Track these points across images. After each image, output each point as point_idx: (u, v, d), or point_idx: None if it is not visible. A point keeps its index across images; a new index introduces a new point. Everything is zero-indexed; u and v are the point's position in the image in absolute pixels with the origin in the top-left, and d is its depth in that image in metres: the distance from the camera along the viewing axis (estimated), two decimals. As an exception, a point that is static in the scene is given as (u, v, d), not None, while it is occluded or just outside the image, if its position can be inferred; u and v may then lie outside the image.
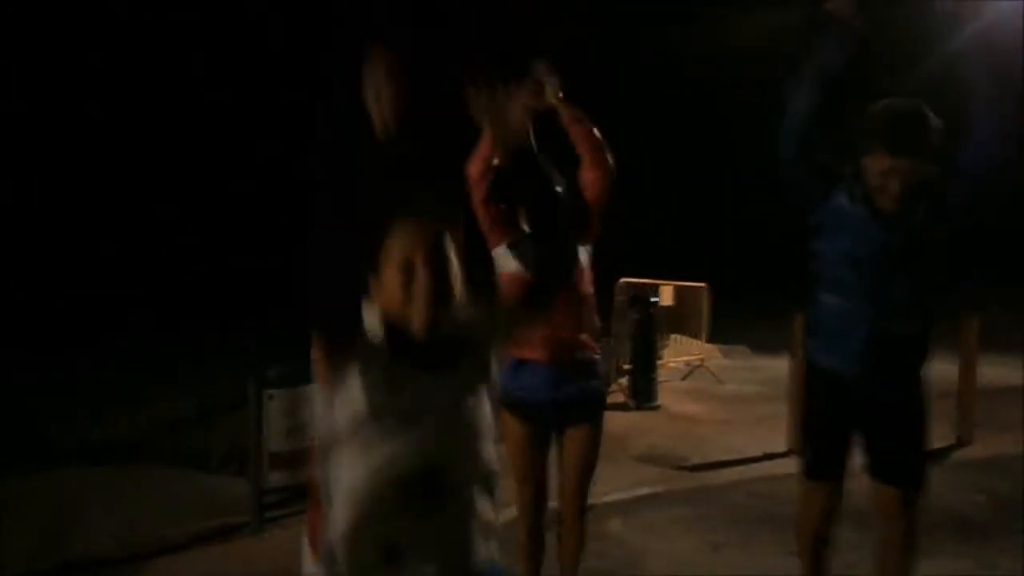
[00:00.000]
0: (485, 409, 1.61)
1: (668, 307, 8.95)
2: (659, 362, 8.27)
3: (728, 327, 10.92)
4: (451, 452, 1.55)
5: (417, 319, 1.48)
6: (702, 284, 9.58)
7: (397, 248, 1.50)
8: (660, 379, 8.01)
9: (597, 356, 3.10)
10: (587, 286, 3.07)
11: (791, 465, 5.70)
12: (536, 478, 3.04)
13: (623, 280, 8.21)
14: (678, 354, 9.49)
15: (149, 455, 5.67)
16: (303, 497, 4.71)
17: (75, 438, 6.17)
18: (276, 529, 4.44)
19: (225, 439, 5.73)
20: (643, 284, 8.35)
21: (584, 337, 3.02)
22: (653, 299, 7.92)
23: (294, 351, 5.29)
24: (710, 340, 9.89)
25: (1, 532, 4.43)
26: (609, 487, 4.80)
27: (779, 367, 8.79)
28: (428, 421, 1.52)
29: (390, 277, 1.50)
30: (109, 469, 5.44)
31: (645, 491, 5.17)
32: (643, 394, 7.64)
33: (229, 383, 6.05)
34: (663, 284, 8.80)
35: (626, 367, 7.94)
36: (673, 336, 9.48)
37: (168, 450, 5.75)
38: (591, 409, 3.09)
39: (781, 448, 6.08)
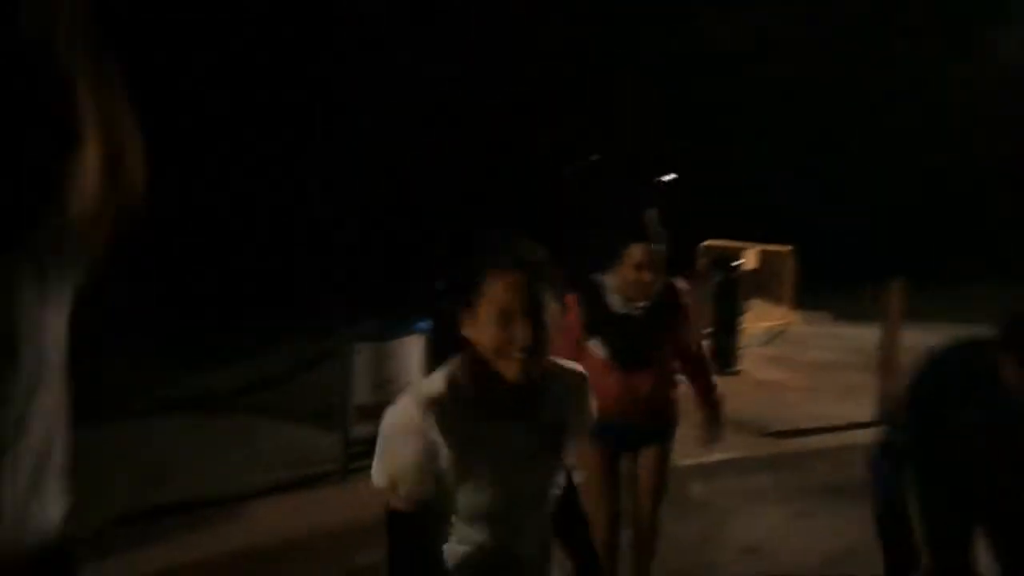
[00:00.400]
0: (560, 462, 1.61)
1: (751, 271, 8.74)
2: (740, 327, 8.12)
3: (813, 293, 10.63)
4: (525, 495, 1.56)
5: (510, 370, 1.47)
6: (787, 247, 9.32)
7: (498, 297, 1.48)
8: (741, 344, 7.86)
9: (673, 399, 3.10)
10: (671, 363, 3.09)
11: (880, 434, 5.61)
12: (610, 499, 3.01)
13: (706, 243, 8.04)
14: (760, 319, 9.30)
15: (243, 408, 5.86)
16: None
17: (176, 390, 6.43)
18: (361, 479, 4.54)
19: (315, 395, 5.89)
20: (726, 247, 8.16)
21: (661, 398, 3.02)
22: (736, 262, 7.74)
23: (379, 310, 5.42)
24: (794, 306, 9.64)
25: (106, 471, 4.67)
26: (689, 451, 4.74)
27: (864, 335, 8.53)
28: (505, 466, 1.51)
29: (487, 324, 1.48)
30: (206, 419, 5.67)
31: (726, 456, 5.09)
32: (723, 359, 7.52)
33: (321, 340, 6.19)
34: (747, 247, 8.58)
35: (706, 332, 7.81)
36: (755, 301, 9.28)
37: (261, 404, 5.94)
38: (663, 431, 3.09)
39: (867, 418, 5.90)
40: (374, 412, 4.49)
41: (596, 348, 2.90)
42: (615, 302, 2.87)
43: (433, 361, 4.81)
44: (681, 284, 3.01)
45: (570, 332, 2.84)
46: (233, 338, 8.56)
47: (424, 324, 4.75)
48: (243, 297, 10.74)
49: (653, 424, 3.04)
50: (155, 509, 4.13)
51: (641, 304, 2.86)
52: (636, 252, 2.80)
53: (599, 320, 2.88)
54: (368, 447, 4.78)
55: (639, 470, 3.11)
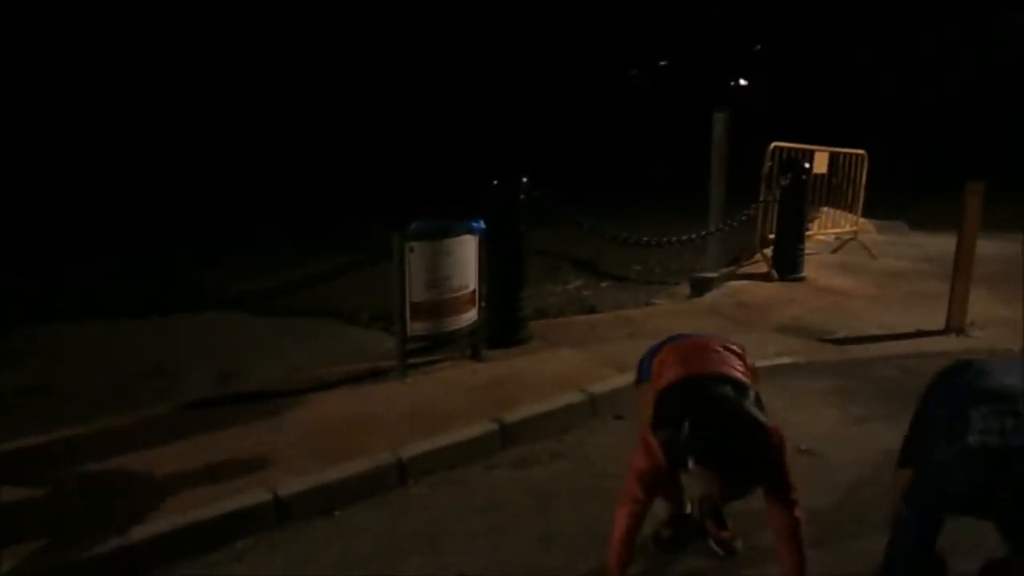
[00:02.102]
0: None
1: (821, 175, 8.40)
2: (807, 233, 7.87)
3: (886, 200, 10.21)
4: None
5: None
6: (861, 151, 8.90)
7: None
8: (807, 251, 7.64)
9: None
10: None
11: (949, 343, 5.46)
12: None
13: (774, 144, 7.72)
14: (828, 226, 9.00)
15: (299, 307, 5.99)
16: (442, 345, 4.91)
17: (239, 290, 6.61)
18: (418, 375, 4.64)
19: (374, 298, 5.99)
20: (796, 149, 7.83)
21: None
22: (805, 165, 7.44)
23: (434, 209, 5.41)
24: (865, 213, 9.29)
25: (179, 360, 4.88)
26: (749, 354, 4.69)
27: (940, 244, 8.20)
28: None
29: None
30: (268, 318, 5.82)
31: (786, 360, 5.02)
32: (787, 265, 7.33)
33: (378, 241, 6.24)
34: (818, 150, 8.22)
35: (771, 236, 7.61)
36: (824, 208, 8.96)
37: (316, 303, 6.05)
38: None
39: (939, 326, 5.72)
40: (429, 310, 4.55)
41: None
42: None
43: (489, 260, 4.81)
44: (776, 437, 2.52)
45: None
46: (288, 240, 8.73)
47: (479, 223, 4.72)
48: (296, 198, 10.89)
49: None
50: (227, 398, 4.30)
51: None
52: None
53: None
54: (425, 344, 4.90)
55: None
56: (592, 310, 6.27)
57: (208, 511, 3.15)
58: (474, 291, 4.75)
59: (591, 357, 4.90)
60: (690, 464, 2.38)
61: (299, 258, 7.62)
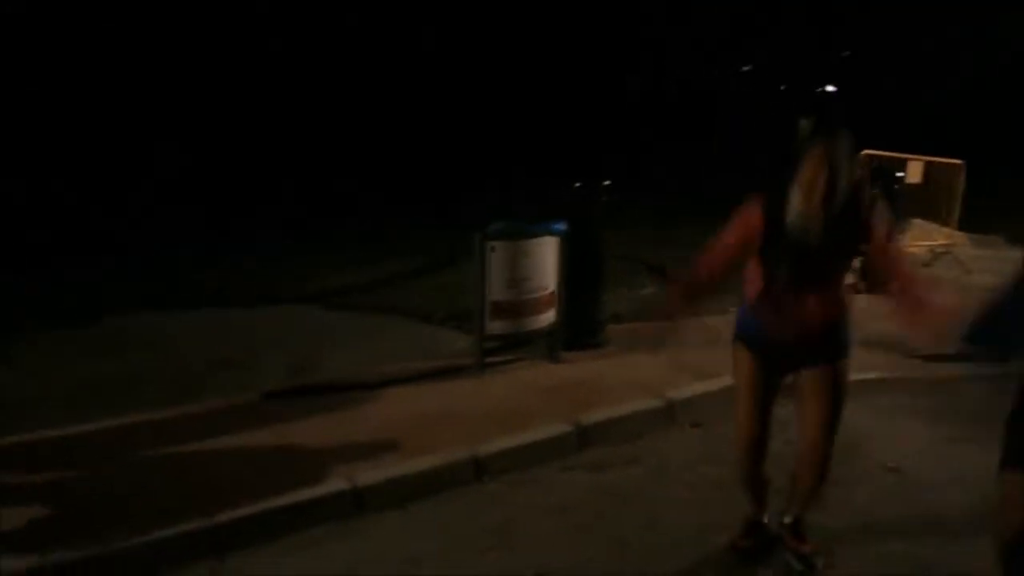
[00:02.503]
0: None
1: (915, 185, 8.10)
2: (899, 244, 7.58)
3: (982, 212, 9.77)
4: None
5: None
6: (958, 161, 8.54)
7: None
8: (898, 263, 7.35)
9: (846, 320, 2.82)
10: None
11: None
12: (759, 421, 2.87)
13: (867, 151, 7.48)
14: (922, 238, 8.66)
15: (376, 304, 6.08)
16: (519, 345, 4.91)
17: (320, 287, 6.75)
18: (494, 373, 4.66)
19: (447, 298, 6.04)
20: (889, 157, 7.57)
21: (833, 320, 2.76)
22: (899, 175, 7.18)
23: (511, 211, 5.42)
24: (960, 226, 8.90)
25: (256, 351, 5.01)
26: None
27: (1042, 260, 7.77)
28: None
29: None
30: (346, 314, 5.93)
31: (873, 375, 4.84)
32: (877, 276, 7.07)
33: (456, 241, 6.29)
34: (912, 159, 7.92)
35: (860, 248, 7.35)
36: (917, 219, 8.62)
37: (394, 301, 6.13)
38: (832, 352, 2.81)
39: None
40: (508, 309, 4.56)
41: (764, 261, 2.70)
42: (794, 211, 2.58)
43: (569, 261, 4.79)
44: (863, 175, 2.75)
45: (745, 229, 2.70)
46: (368, 237, 8.87)
47: (559, 225, 4.71)
48: (379, 196, 11.05)
49: (822, 345, 2.77)
50: (306, 388, 4.40)
51: (821, 213, 2.60)
52: (815, 153, 2.58)
53: (776, 227, 2.62)
54: (501, 344, 4.92)
55: (804, 395, 2.84)
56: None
57: (287, 498, 3.22)
58: (553, 292, 4.74)
59: (668, 363, 4.83)
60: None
61: (373, 257, 7.75)
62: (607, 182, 4.93)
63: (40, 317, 5.62)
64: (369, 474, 3.40)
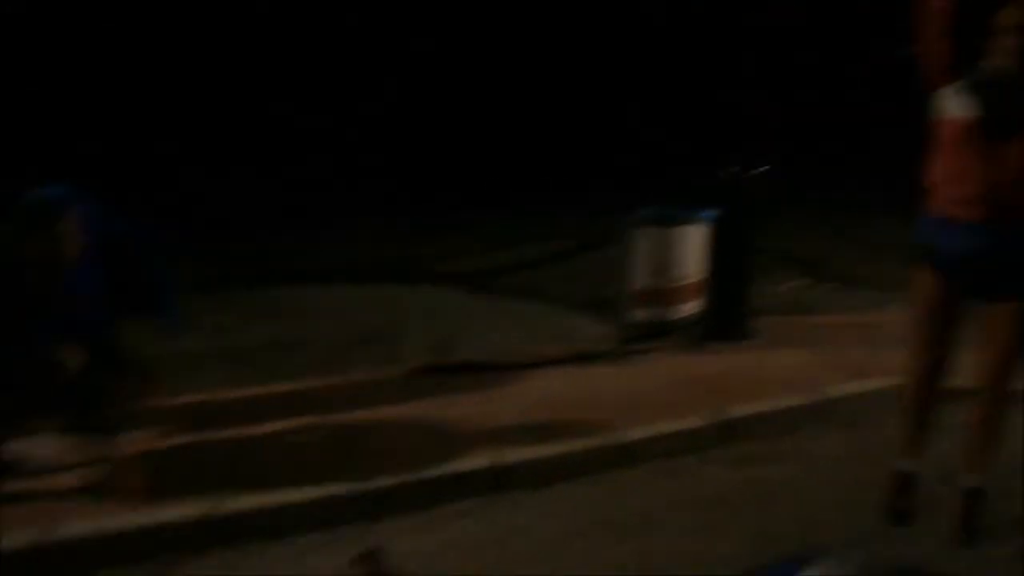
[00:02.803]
0: None
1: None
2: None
3: None
4: None
5: None
6: None
7: None
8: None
9: None
10: None
11: None
12: (937, 348, 2.72)
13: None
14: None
15: (514, 288, 6.13)
16: (662, 334, 4.84)
17: (462, 268, 6.89)
18: (636, 361, 4.62)
19: (587, 284, 6.02)
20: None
21: None
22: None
23: (660, 197, 5.33)
24: None
25: (399, 327, 5.18)
26: None
27: None
28: None
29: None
30: (485, 296, 6.02)
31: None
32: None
33: (600, 227, 6.26)
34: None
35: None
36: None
37: (532, 285, 6.17)
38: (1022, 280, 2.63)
39: None
40: (653, 297, 4.50)
41: (956, 107, 2.54)
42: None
43: (718, 250, 4.67)
44: None
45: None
46: (513, 221, 8.94)
47: (709, 212, 4.60)
48: (526, 180, 11.10)
49: (1014, 234, 2.53)
50: (450, 367, 4.51)
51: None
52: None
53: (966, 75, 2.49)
54: (644, 331, 4.85)
55: (987, 318, 2.66)
56: (816, 312, 5.91)
57: (434, 470, 3.32)
58: (699, 281, 4.64)
59: (820, 360, 4.63)
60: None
61: (516, 241, 7.82)
62: (763, 168, 4.77)
63: (198, 286, 6.03)
64: (513, 453, 3.46)
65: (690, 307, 4.64)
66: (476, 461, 3.40)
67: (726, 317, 4.88)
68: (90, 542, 2.89)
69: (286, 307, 5.64)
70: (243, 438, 3.61)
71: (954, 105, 2.54)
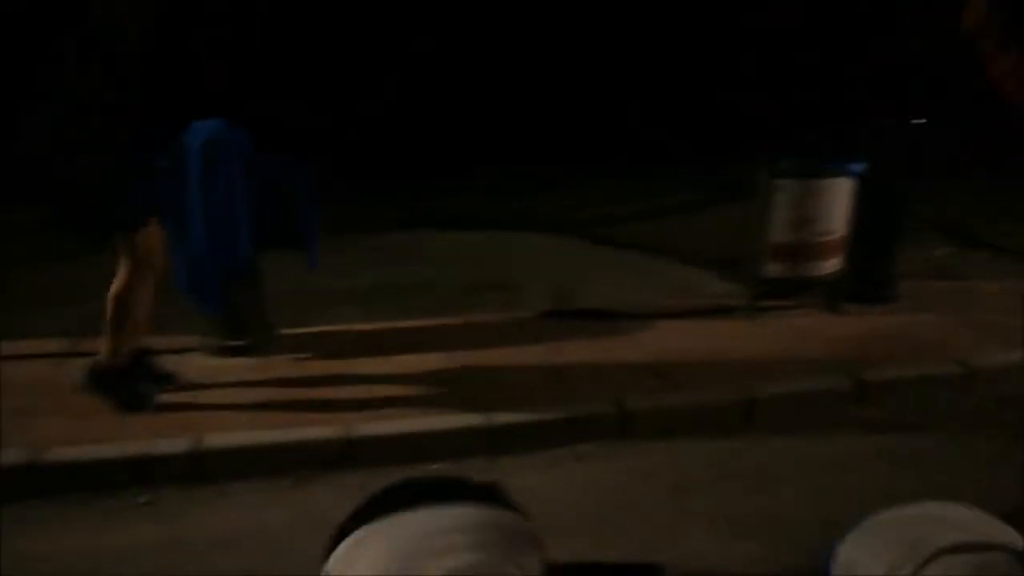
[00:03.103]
0: None
1: None
2: None
3: None
4: None
5: None
6: None
7: None
8: None
9: None
10: None
11: None
12: None
13: None
14: None
15: (645, 244, 6.02)
16: (799, 291, 4.66)
17: (589, 217, 6.84)
18: (768, 318, 4.48)
19: (716, 240, 5.85)
20: None
21: None
22: None
23: (801, 147, 5.09)
24: None
25: (518, 274, 5.21)
26: None
27: None
28: None
29: None
30: (609, 248, 5.97)
31: None
32: None
33: (728, 178, 6.05)
34: None
35: None
36: None
37: (663, 242, 6.03)
38: None
39: None
40: (790, 252, 4.33)
41: None
42: None
43: (863, 206, 4.42)
44: None
45: None
46: (645, 170, 8.76)
47: (856, 165, 4.35)
48: (661, 128, 10.82)
49: None
50: (570, 313, 4.52)
51: None
52: None
53: None
54: (779, 288, 4.68)
55: None
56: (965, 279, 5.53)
57: (557, 412, 3.36)
58: (841, 238, 4.42)
59: (969, 328, 4.34)
60: None
61: (645, 192, 7.68)
62: (919, 121, 4.47)
63: (339, 226, 6.25)
64: (638, 400, 3.44)
65: (830, 265, 4.43)
66: (598, 406, 3.41)
67: (869, 278, 4.64)
68: (232, 453, 3.10)
69: (409, 251, 5.79)
70: (373, 369, 3.76)
71: None
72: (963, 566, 0.82)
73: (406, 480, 0.94)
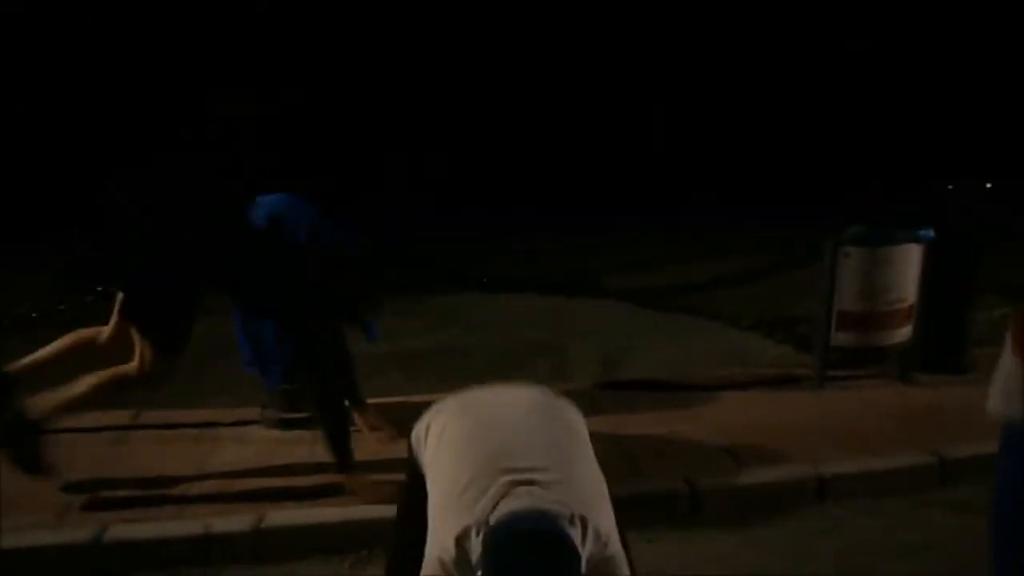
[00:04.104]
0: None
1: None
2: None
3: None
4: None
5: None
6: None
7: None
8: None
9: None
10: None
11: None
12: None
13: None
14: None
15: (693, 308, 5.91)
16: (867, 362, 4.51)
17: (637, 283, 6.76)
18: (835, 389, 4.33)
19: (767, 301, 5.74)
20: None
21: None
22: None
23: (871, 213, 4.98)
24: None
25: (567, 338, 5.12)
26: None
27: None
28: None
29: None
30: (658, 313, 5.87)
31: None
32: None
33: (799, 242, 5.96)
34: None
35: None
36: None
37: (710, 306, 5.93)
38: None
39: None
40: (858, 321, 4.21)
41: None
42: None
43: (935, 273, 4.28)
44: None
45: None
46: (692, 234, 8.70)
47: (927, 232, 4.23)
48: (714, 195, 10.77)
49: None
50: (616, 384, 4.42)
51: None
52: None
53: None
54: (845, 357, 4.52)
55: None
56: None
57: (627, 488, 3.22)
58: (911, 306, 4.28)
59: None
60: None
61: (695, 256, 7.59)
62: (988, 185, 4.35)
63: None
64: (706, 479, 3.31)
65: (900, 333, 4.28)
66: (669, 483, 3.29)
67: (941, 346, 4.47)
68: (294, 532, 3.03)
69: (452, 315, 5.77)
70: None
71: None
72: None
73: None
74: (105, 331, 3.21)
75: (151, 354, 3.05)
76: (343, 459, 3.09)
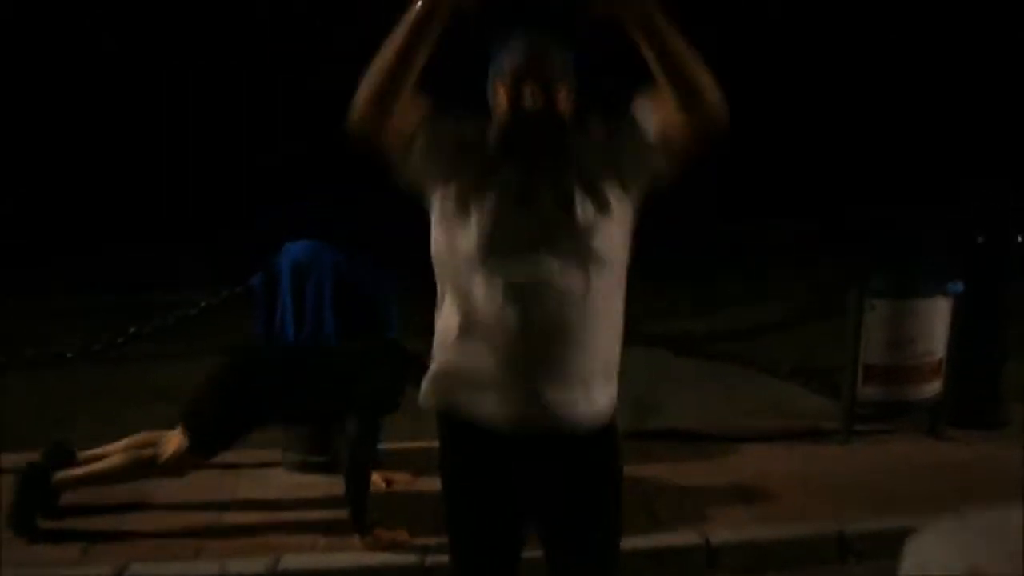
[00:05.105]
0: None
1: None
2: None
3: None
4: None
5: None
6: None
7: None
8: None
9: None
10: None
11: None
12: None
13: None
14: None
15: (727, 354, 5.84)
16: (897, 414, 4.42)
17: (670, 328, 6.72)
18: (863, 443, 4.24)
19: (802, 351, 5.65)
20: None
21: None
22: None
23: (899, 263, 4.92)
24: None
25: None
26: None
27: None
28: None
29: None
30: (691, 360, 5.79)
31: None
32: None
33: (826, 292, 5.89)
34: None
35: None
36: None
37: (745, 352, 5.86)
38: None
39: None
40: (885, 374, 4.14)
41: None
42: None
43: (965, 326, 4.21)
44: None
45: None
46: (725, 284, 8.64)
47: (955, 284, 4.17)
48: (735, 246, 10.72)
49: None
50: (654, 433, 4.38)
51: None
52: None
53: None
54: (874, 411, 4.43)
55: None
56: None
57: (642, 541, 3.20)
58: (940, 360, 4.20)
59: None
60: None
61: (728, 302, 7.53)
62: (1020, 238, 4.28)
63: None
64: (726, 532, 3.26)
65: (929, 388, 4.20)
66: (686, 537, 3.25)
67: (973, 401, 4.38)
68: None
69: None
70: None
71: None
72: None
73: None
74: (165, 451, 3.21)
75: (182, 446, 3.15)
76: (360, 523, 3.12)
